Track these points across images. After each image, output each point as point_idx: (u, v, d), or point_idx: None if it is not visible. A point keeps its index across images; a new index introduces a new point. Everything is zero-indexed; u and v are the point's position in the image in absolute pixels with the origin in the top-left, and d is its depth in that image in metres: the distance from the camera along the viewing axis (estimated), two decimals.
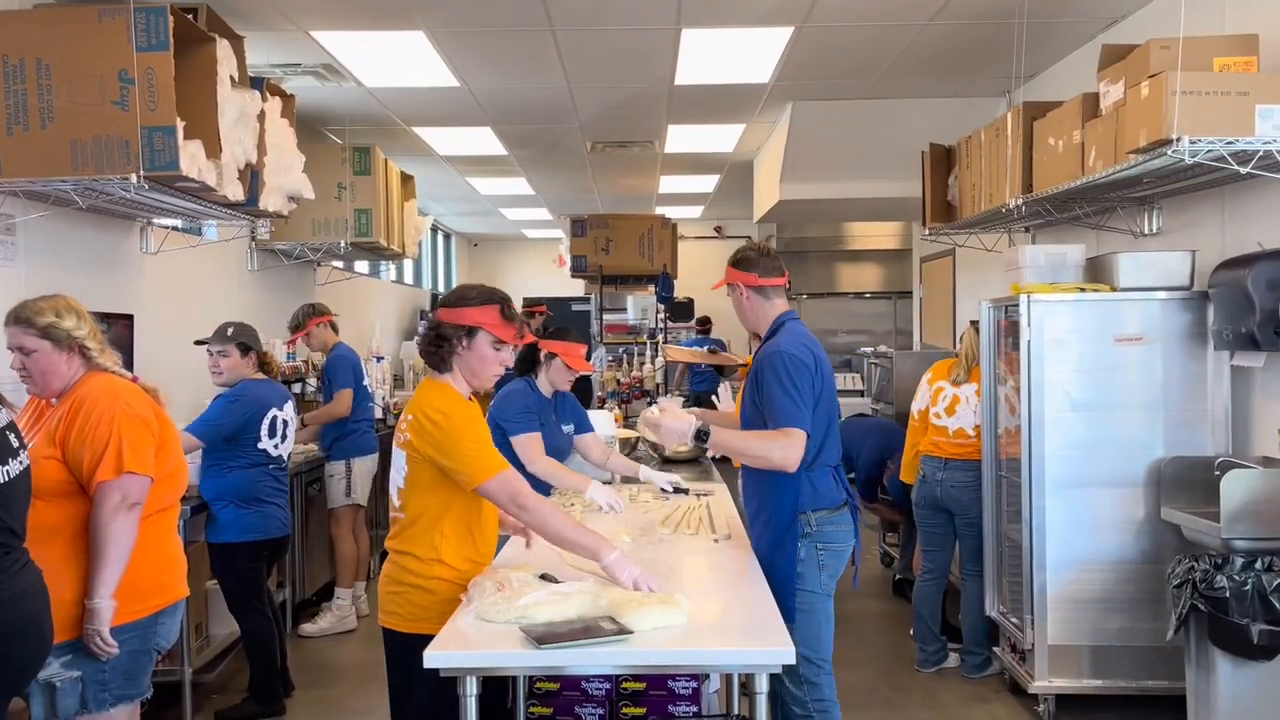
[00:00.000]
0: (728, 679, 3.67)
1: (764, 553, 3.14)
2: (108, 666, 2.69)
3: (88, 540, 2.67)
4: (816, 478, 3.13)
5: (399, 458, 2.86)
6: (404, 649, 2.74)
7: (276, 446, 4.48)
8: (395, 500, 2.90)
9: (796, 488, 3.09)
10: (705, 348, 8.49)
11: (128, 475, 2.68)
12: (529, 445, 3.89)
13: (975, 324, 4.94)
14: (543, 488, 3.83)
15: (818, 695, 3.11)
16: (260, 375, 4.49)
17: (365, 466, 5.78)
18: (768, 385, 3.05)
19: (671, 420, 3.16)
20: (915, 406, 5.22)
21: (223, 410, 4.30)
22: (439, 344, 2.86)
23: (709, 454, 3.20)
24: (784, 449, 2.98)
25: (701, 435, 3.09)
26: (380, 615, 2.93)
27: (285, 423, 4.52)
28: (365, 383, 5.89)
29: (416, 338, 9.43)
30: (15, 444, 2.38)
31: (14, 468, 2.35)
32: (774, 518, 3.12)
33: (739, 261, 3.28)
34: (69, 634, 2.64)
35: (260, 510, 4.37)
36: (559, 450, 4.22)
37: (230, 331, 4.43)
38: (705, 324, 11.52)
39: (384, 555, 2.99)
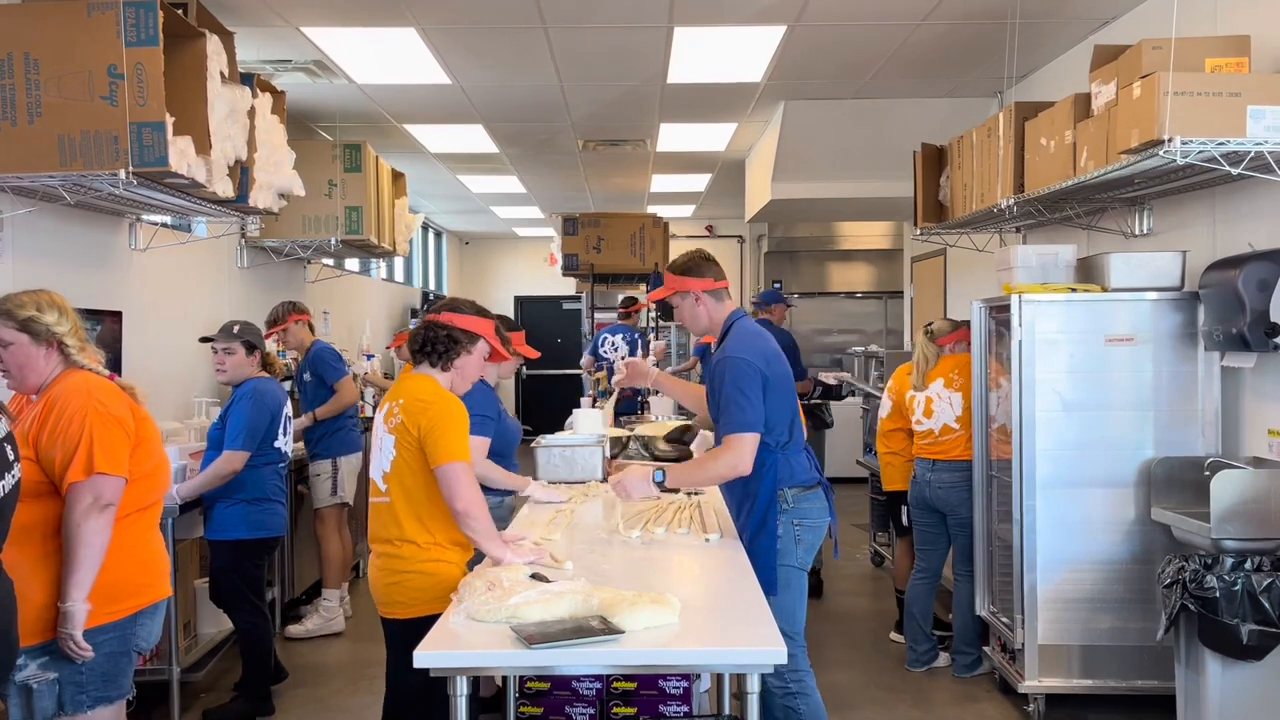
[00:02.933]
0: (718, 679, 3.67)
1: (749, 533, 3.30)
2: (85, 668, 2.65)
3: (61, 542, 2.63)
4: (791, 456, 3.33)
5: (386, 443, 3.03)
6: (412, 634, 2.72)
7: (286, 444, 4.51)
8: (380, 485, 3.05)
9: (775, 467, 3.28)
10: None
11: (98, 476, 2.62)
12: (476, 449, 3.86)
13: (927, 330, 4.99)
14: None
15: (793, 667, 3.15)
16: (264, 373, 4.50)
17: (352, 464, 5.76)
18: (719, 391, 3.26)
19: (632, 476, 3.47)
20: (880, 413, 5.32)
21: (250, 411, 4.30)
22: (450, 344, 3.14)
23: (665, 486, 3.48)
24: (733, 458, 3.21)
25: (659, 482, 3.40)
26: (380, 608, 3.06)
27: (288, 419, 4.55)
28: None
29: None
30: (11, 457, 2.33)
31: (8, 482, 2.29)
32: (756, 498, 3.29)
33: (690, 269, 3.43)
34: (45, 636, 2.60)
35: (268, 508, 4.41)
36: (514, 435, 4.25)
37: (236, 329, 4.45)
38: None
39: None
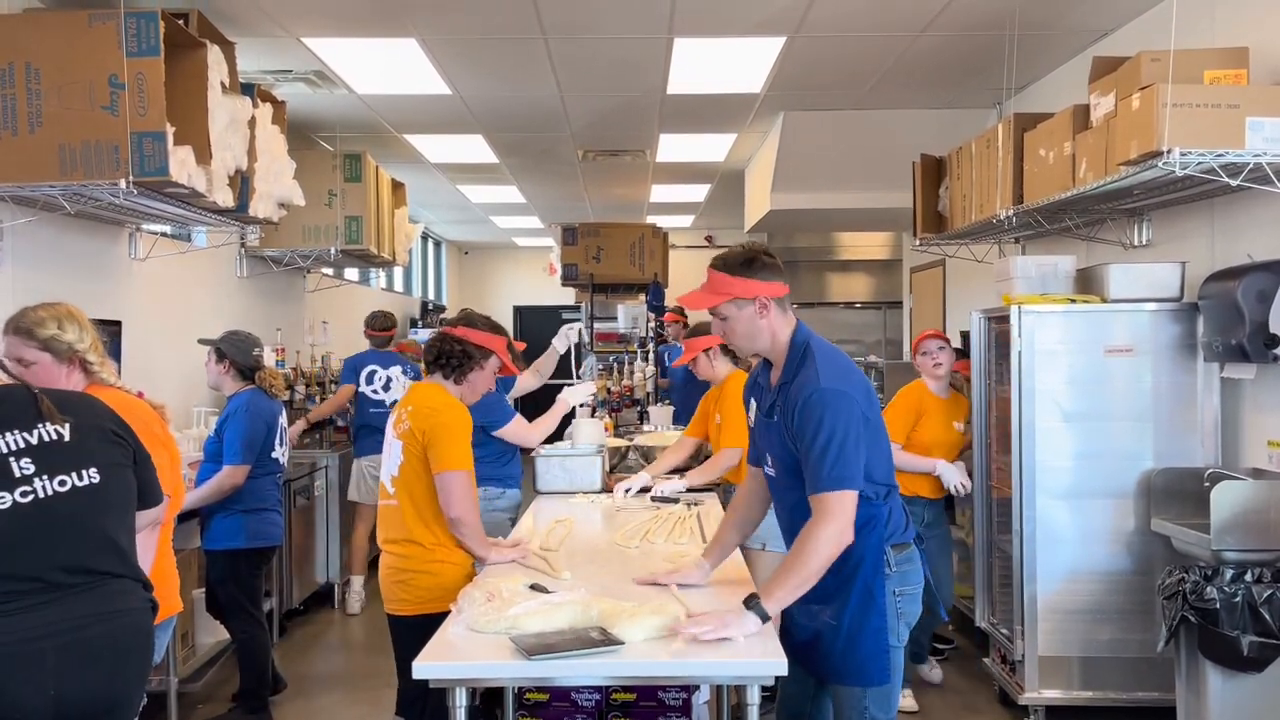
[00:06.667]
0: (718, 690, 3.65)
1: (847, 609, 2.59)
2: None
3: None
4: (892, 508, 2.64)
5: (394, 448, 3.13)
6: (414, 630, 2.85)
7: (283, 455, 4.55)
8: (389, 489, 3.16)
9: (880, 523, 2.59)
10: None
11: None
12: (518, 428, 4.22)
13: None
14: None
15: None
16: (246, 385, 4.45)
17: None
18: (809, 434, 2.48)
19: (729, 617, 2.42)
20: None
21: (246, 424, 4.31)
22: (464, 359, 3.25)
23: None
24: (836, 527, 2.44)
25: (762, 615, 2.44)
26: (386, 605, 3.17)
27: (284, 429, 4.57)
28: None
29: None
30: (17, 474, 2.19)
31: (10, 498, 2.18)
32: (857, 564, 2.57)
33: (757, 267, 2.60)
34: None
35: (265, 517, 4.41)
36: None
37: (219, 336, 4.47)
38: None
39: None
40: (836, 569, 2.52)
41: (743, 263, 2.60)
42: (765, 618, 2.43)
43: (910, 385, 4.81)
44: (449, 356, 3.25)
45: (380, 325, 6.50)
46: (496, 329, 3.39)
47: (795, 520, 2.61)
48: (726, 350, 4.36)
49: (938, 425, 4.70)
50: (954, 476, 4.58)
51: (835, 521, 2.43)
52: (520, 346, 4.39)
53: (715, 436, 4.32)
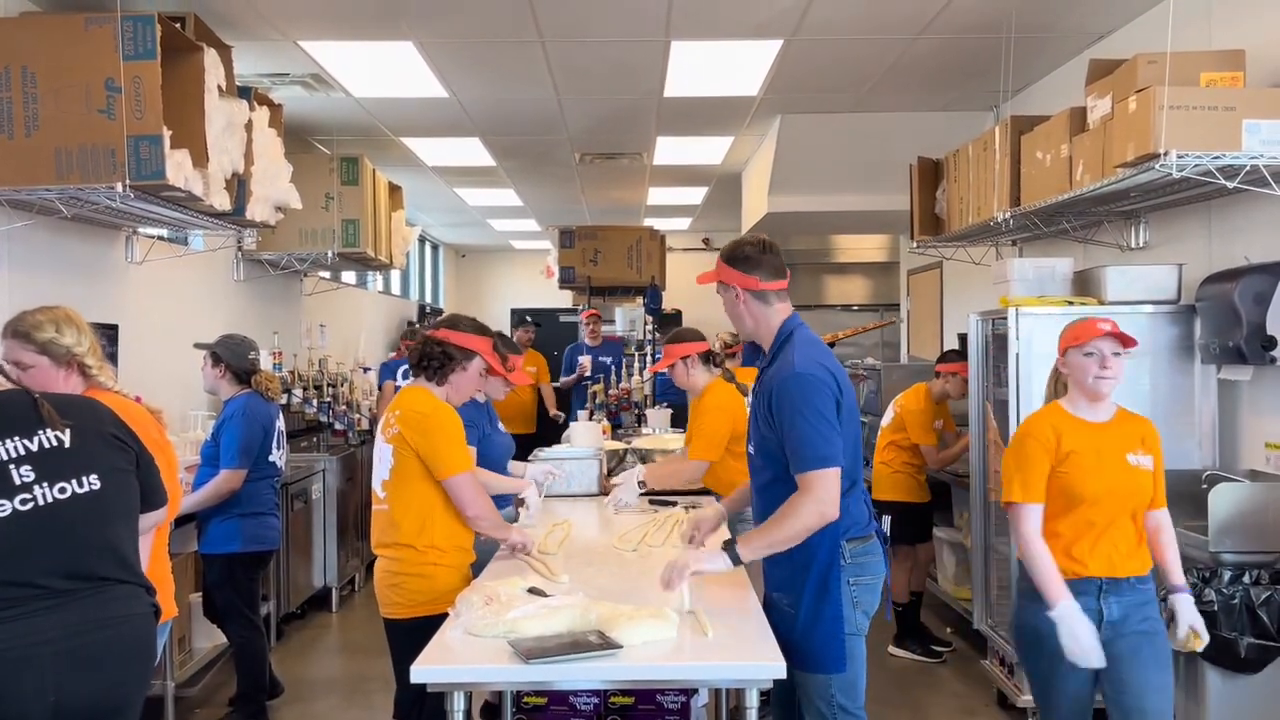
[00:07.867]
0: (716, 694, 3.65)
1: (804, 600, 2.70)
2: None
3: None
4: (852, 502, 2.72)
5: (384, 452, 3.14)
6: (408, 634, 2.88)
7: (279, 458, 4.53)
8: (380, 493, 3.18)
9: (840, 515, 2.65)
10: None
11: None
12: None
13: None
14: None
15: None
16: (243, 389, 4.44)
17: None
18: (786, 417, 2.63)
19: (708, 562, 2.70)
20: (882, 422, 5.34)
21: (242, 428, 4.30)
22: (445, 360, 3.25)
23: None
24: (819, 501, 2.56)
25: (735, 559, 2.66)
26: (381, 608, 3.17)
27: (281, 433, 4.56)
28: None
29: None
30: (17, 482, 2.19)
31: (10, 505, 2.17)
32: (812, 556, 2.67)
33: (737, 259, 2.80)
34: None
35: (263, 521, 4.41)
36: (506, 449, 4.25)
37: (215, 340, 4.47)
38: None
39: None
40: (793, 557, 2.68)
41: (730, 252, 2.85)
42: (736, 560, 2.65)
43: (1039, 412, 3.08)
44: (430, 358, 3.26)
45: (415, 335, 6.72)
46: (481, 330, 3.39)
47: (763, 500, 2.81)
48: (705, 359, 4.36)
49: (1097, 464, 2.88)
50: (1186, 619, 2.86)
51: (815, 497, 2.57)
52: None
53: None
